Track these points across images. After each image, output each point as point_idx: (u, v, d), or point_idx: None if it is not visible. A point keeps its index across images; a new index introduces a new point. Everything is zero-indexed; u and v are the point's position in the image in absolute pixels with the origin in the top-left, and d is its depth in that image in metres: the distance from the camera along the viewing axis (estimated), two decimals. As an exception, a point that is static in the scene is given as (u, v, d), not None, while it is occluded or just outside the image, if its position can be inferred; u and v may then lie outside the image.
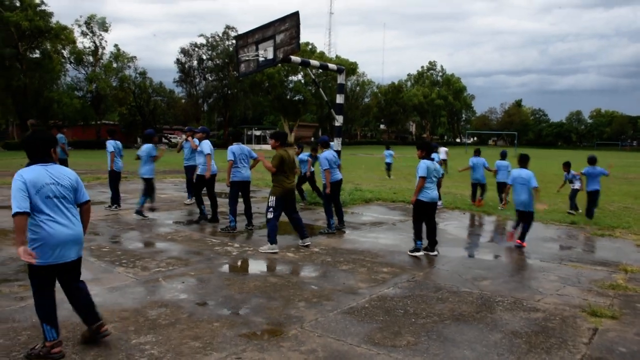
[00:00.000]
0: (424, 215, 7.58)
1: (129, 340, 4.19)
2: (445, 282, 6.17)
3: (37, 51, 53.07)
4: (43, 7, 52.28)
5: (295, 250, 7.60)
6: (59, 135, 15.99)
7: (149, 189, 10.41)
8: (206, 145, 9.77)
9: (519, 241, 8.33)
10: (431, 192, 7.51)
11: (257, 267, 6.82)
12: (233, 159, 8.88)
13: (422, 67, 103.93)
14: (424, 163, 7.47)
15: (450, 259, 7.40)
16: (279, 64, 14.26)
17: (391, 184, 17.90)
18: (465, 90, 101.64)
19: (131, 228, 9.12)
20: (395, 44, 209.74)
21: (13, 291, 5.39)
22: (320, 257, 7.23)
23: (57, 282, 3.96)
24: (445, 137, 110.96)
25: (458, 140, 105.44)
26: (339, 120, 12.92)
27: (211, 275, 6.19)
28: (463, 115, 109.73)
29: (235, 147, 8.99)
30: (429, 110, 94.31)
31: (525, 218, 8.37)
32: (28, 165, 3.86)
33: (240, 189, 9.15)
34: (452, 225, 10.34)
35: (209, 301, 5.23)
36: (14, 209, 3.58)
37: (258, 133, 72.24)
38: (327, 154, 9.18)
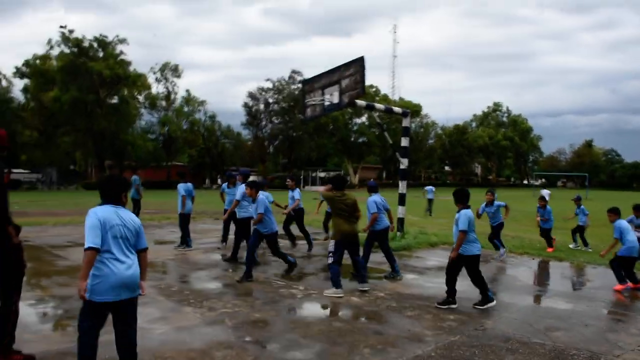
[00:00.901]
0: (477, 266, 7.11)
1: (196, 381, 4.26)
2: (515, 331, 5.93)
3: (116, 97, 56.39)
4: (122, 57, 55.83)
5: (359, 295, 7.54)
6: (134, 177, 16.78)
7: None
8: (239, 191, 9.76)
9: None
10: (479, 243, 7.08)
11: (321, 311, 6.81)
12: (263, 211, 8.65)
13: (488, 107, 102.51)
14: (465, 215, 6.89)
15: (519, 307, 7.13)
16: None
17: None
18: (531, 130, 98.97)
19: (199, 268, 9.35)
20: (460, 85, 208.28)
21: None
22: (385, 302, 7.14)
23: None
24: (512, 179, 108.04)
25: (525, 182, 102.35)
26: (404, 163, 12.92)
27: (276, 318, 6.23)
28: (530, 157, 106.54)
29: (263, 198, 8.83)
30: (494, 151, 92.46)
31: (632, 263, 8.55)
32: (100, 205, 4.09)
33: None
34: (521, 271, 9.99)
35: (274, 344, 5.26)
36: (88, 244, 3.79)
37: (322, 175, 72.98)
38: (375, 198, 8.97)
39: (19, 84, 56.66)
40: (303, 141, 71.62)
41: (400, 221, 12.86)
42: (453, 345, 5.37)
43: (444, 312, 6.71)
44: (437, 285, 8.34)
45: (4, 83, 52.58)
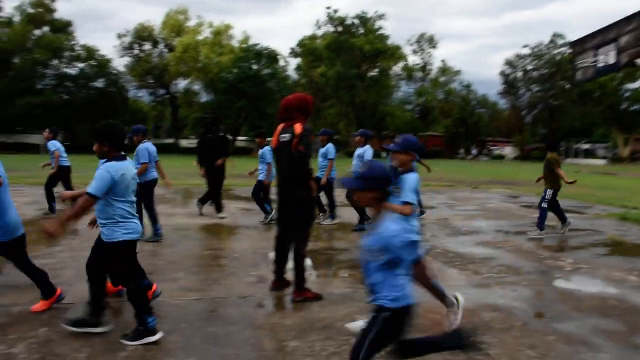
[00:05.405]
0: None
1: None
2: None
3: (375, 70, 59.31)
4: (381, 31, 58.25)
5: (638, 274, 6.85)
6: (391, 145, 17.71)
7: None
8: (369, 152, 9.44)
9: None
10: None
11: (592, 285, 6.37)
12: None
13: None
14: None
15: None
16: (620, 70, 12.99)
17: None
18: None
19: (461, 233, 9.52)
20: None
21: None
22: (673, 285, 6.35)
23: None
24: None
25: None
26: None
27: (544, 288, 6.06)
28: None
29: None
30: None
31: None
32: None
33: None
34: None
35: (543, 313, 5.14)
36: None
37: (586, 146, 66.52)
38: (147, 145, 8.10)
39: (293, 63, 63.60)
40: (565, 110, 65.95)
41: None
42: None
43: None
44: None
45: (282, 63, 59.32)
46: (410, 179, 4.30)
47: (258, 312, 4.91)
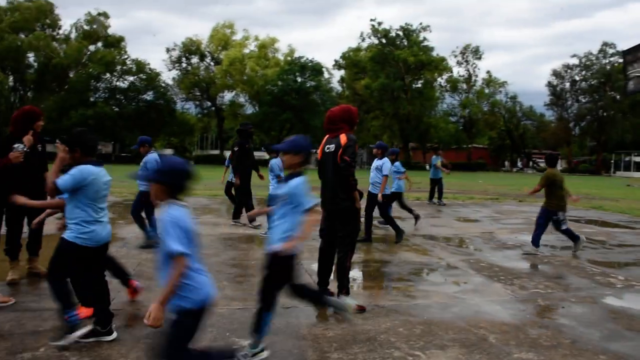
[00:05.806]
0: None
1: (511, 353, 4.33)
2: None
3: (419, 82, 59.01)
4: (425, 43, 58.06)
5: (697, 292, 6.56)
6: (433, 157, 17.50)
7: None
8: (387, 164, 9.36)
9: None
10: None
11: (647, 304, 6.16)
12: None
13: None
14: None
15: None
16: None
17: None
18: None
19: (506, 247, 9.34)
20: None
21: (406, 289, 6.20)
22: None
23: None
24: None
25: None
26: None
27: (594, 305, 5.87)
28: None
29: None
30: None
31: None
32: None
33: None
34: None
35: (593, 331, 4.97)
36: None
37: (638, 159, 64.11)
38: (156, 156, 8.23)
39: (337, 75, 63.95)
40: (615, 121, 63.80)
41: None
42: None
43: None
44: None
45: (326, 75, 59.72)
46: (299, 183, 4.02)
47: (301, 323, 4.94)
